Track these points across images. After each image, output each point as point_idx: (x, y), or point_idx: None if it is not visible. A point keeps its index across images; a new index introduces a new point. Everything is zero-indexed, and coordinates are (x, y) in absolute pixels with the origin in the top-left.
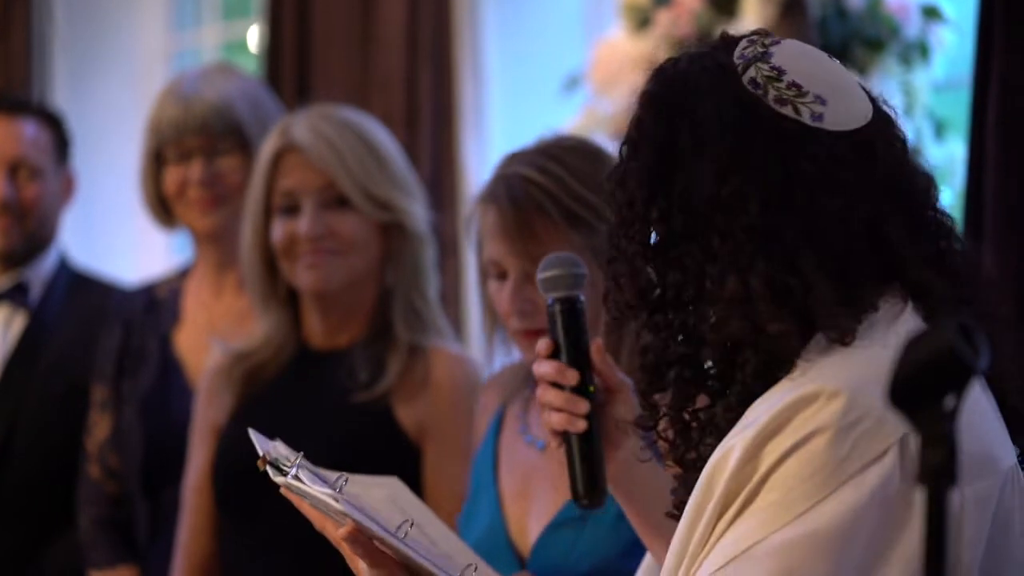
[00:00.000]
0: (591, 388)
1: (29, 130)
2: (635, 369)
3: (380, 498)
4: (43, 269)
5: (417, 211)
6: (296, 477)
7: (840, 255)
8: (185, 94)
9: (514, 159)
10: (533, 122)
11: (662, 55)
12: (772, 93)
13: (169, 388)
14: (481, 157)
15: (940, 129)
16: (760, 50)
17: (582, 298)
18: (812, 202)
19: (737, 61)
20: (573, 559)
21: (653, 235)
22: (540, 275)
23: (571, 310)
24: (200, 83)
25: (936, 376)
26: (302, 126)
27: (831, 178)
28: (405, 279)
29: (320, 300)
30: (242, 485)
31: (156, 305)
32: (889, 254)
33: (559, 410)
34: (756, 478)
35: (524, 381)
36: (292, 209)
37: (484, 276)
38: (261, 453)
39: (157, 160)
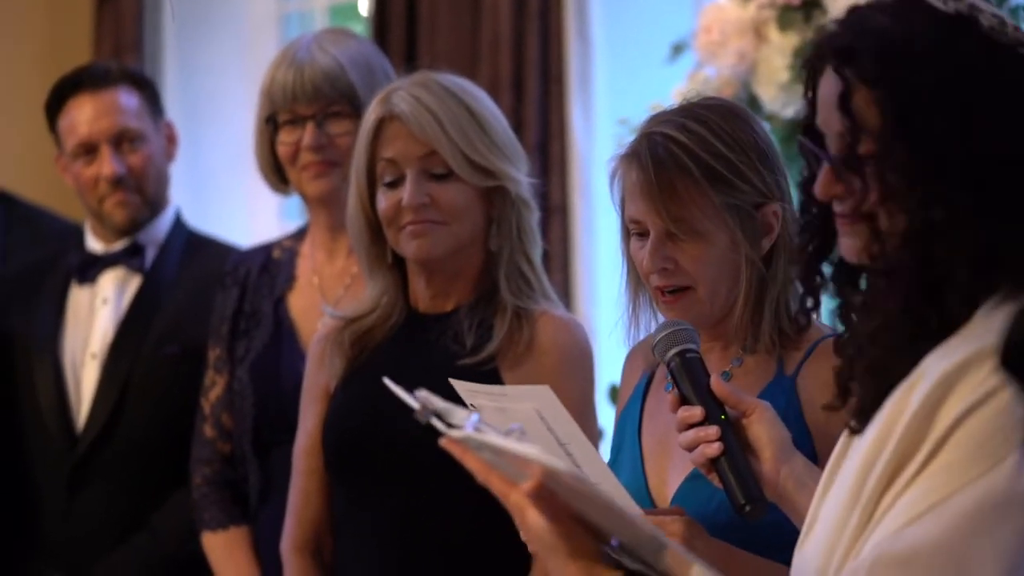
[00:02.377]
0: (723, 416)
1: (121, 99)
2: (778, 317)
3: (528, 415)
4: (158, 231)
5: (520, 175)
6: (477, 428)
7: None
8: (298, 59)
9: (657, 118)
10: (639, 87)
11: (767, 21)
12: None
13: (281, 350)
14: (587, 122)
15: None
16: None
17: (693, 346)
18: None
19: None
20: (711, 510)
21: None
22: (654, 341)
23: (687, 360)
24: (313, 48)
25: None
26: (402, 95)
27: None
28: (510, 243)
29: (426, 266)
30: (352, 448)
31: (271, 266)
32: None
33: (695, 445)
34: (937, 432)
35: None
36: (396, 178)
37: (626, 234)
38: (417, 406)
39: (270, 125)
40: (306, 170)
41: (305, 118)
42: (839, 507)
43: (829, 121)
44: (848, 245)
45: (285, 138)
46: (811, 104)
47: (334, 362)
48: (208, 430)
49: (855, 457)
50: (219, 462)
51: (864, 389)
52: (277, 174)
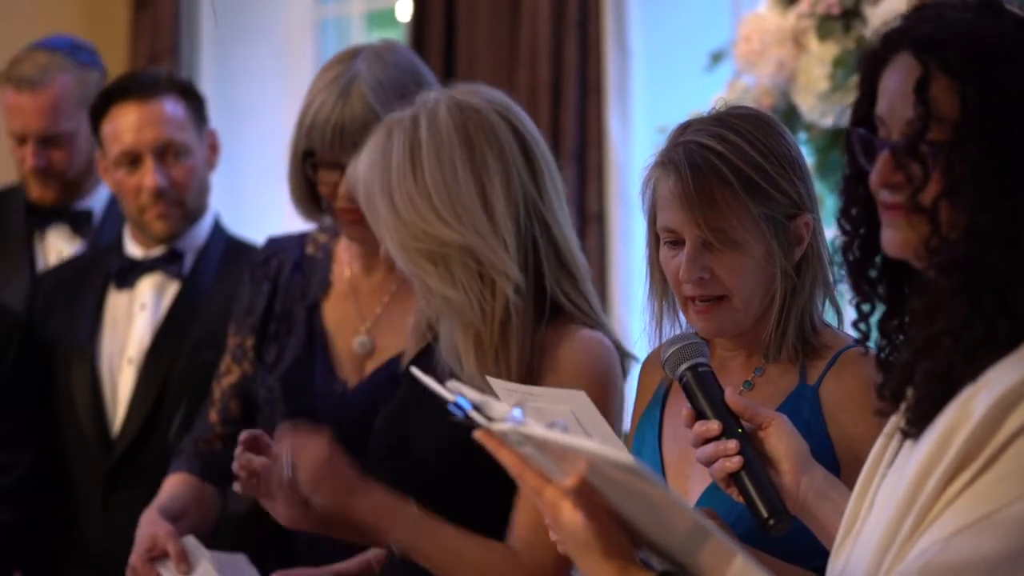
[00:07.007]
0: (740, 430)
1: (168, 109)
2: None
3: (564, 416)
4: (197, 237)
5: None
6: (521, 422)
7: None
8: (339, 102)
9: (689, 127)
10: (678, 96)
11: (807, 31)
12: None
13: (314, 363)
14: (625, 130)
15: None
16: None
17: (704, 360)
18: None
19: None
20: (732, 520)
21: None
22: (664, 357)
23: (700, 374)
24: (353, 92)
25: None
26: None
27: None
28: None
29: None
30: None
31: (305, 264)
32: None
33: (714, 459)
34: (997, 442)
35: None
36: None
37: (655, 242)
38: (450, 397)
39: (307, 159)
40: (343, 214)
41: (344, 167)
42: (892, 511)
43: (896, 108)
44: (896, 238)
45: (325, 178)
46: (866, 97)
47: None
48: (213, 414)
49: (912, 462)
50: (215, 440)
51: (923, 394)
52: (312, 203)
